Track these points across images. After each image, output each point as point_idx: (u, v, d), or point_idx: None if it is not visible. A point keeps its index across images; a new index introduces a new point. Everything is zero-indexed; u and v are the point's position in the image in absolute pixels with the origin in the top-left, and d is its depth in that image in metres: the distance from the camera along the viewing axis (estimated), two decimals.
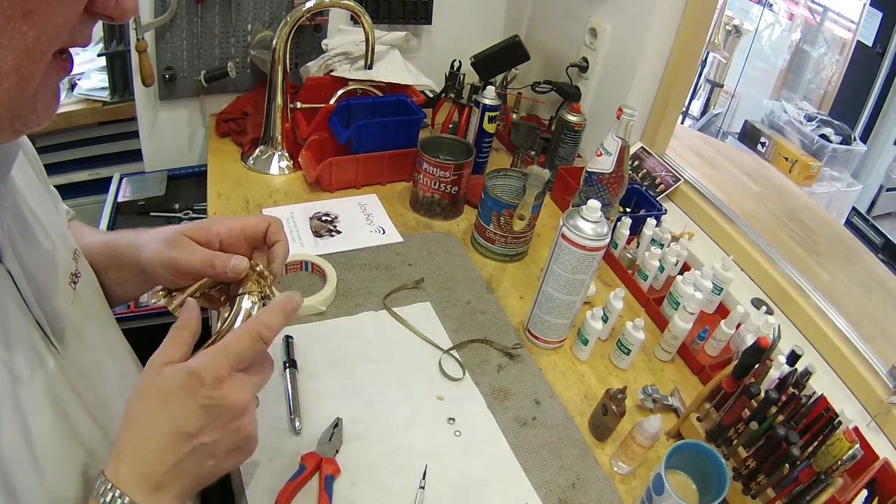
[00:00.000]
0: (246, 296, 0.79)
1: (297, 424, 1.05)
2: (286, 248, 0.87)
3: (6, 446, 0.58)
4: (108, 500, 0.61)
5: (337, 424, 1.05)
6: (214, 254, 0.82)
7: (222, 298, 0.85)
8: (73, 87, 2.52)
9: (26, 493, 0.60)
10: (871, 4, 3.64)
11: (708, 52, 3.62)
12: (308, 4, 1.62)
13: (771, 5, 3.94)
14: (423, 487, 0.99)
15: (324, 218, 1.56)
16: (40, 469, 0.62)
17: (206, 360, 0.67)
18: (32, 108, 0.55)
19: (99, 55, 2.54)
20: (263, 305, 0.79)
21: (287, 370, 1.14)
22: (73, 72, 2.54)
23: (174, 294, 0.82)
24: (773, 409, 0.97)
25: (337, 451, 1.02)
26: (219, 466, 0.70)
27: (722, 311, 1.43)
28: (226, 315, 0.78)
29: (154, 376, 0.67)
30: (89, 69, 2.61)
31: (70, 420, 0.69)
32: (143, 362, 0.96)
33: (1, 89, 0.51)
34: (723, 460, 0.93)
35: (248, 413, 0.70)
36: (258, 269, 0.83)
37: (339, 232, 1.52)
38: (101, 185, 2.36)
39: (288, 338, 1.20)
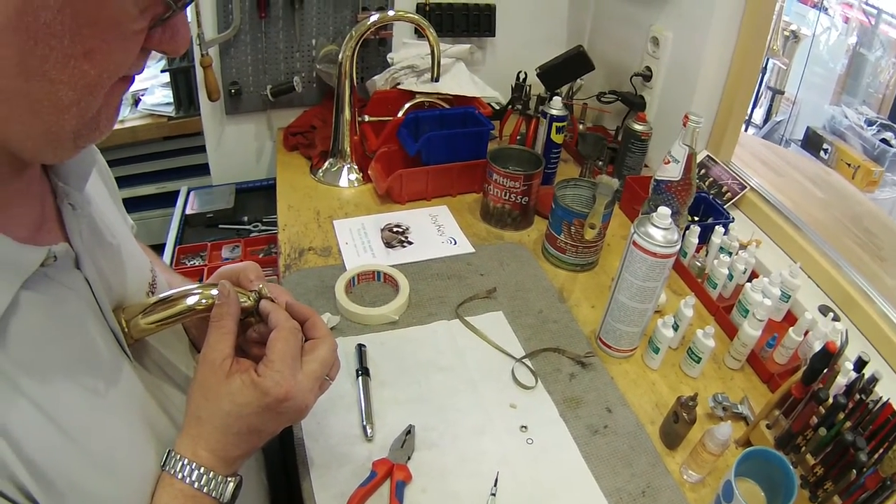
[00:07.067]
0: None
1: (368, 431, 1.06)
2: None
3: (80, 457, 0.61)
4: (193, 478, 0.69)
5: (409, 431, 1.06)
6: None
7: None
8: (137, 102, 2.59)
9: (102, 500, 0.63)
10: None
11: (768, 59, 3.58)
12: (372, 18, 1.64)
13: (826, 9, 3.88)
14: (494, 494, 0.99)
15: (395, 229, 1.58)
16: (115, 475, 0.65)
17: (273, 376, 0.72)
18: (95, 127, 0.59)
19: (162, 71, 2.60)
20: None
21: (359, 378, 1.15)
22: (137, 88, 2.62)
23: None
24: (841, 415, 0.96)
25: (409, 458, 1.03)
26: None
27: (790, 320, 1.41)
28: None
29: (220, 379, 0.72)
30: (153, 85, 2.68)
31: (148, 421, 0.72)
32: None
33: (63, 119, 0.54)
34: (791, 467, 0.92)
35: (314, 402, 0.79)
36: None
37: (410, 243, 1.54)
38: (167, 199, 2.41)
39: (360, 346, 1.22)
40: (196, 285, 0.78)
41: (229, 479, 0.72)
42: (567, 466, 1.06)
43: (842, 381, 1.08)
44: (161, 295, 0.77)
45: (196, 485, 0.69)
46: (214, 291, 0.76)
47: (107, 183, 0.89)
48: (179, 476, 0.69)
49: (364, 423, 1.08)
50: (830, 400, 0.97)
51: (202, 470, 0.70)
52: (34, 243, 0.60)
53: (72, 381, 0.62)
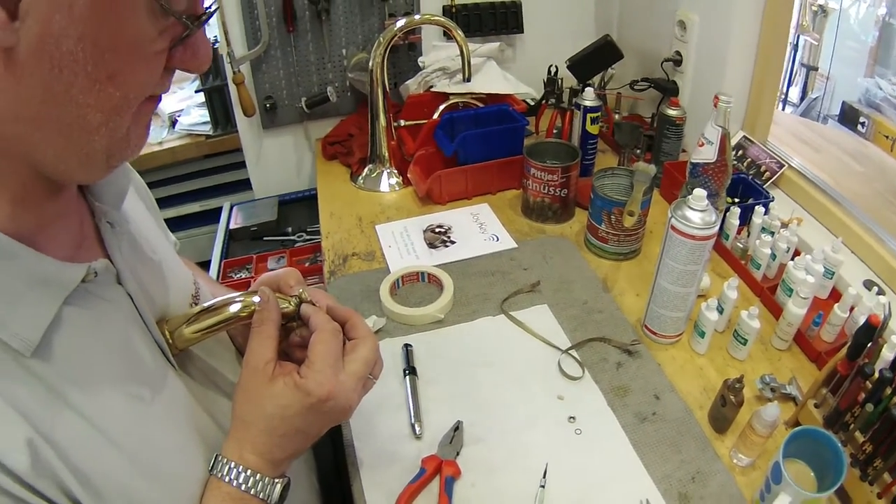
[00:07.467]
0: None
1: (417, 429, 1.07)
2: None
3: (127, 464, 0.63)
4: (240, 480, 0.71)
5: (458, 427, 1.07)
6: None
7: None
8: (174, 124, 2.64)
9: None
10: None
11: (799, 35, 3.54)
12: (399, 23, 1.66)
13: None
14: (543, 486, 0.99)
15: (437, 230, 1.60)
16: (162, 481, 0.67)
17: (315, 377, 0.73)
18: (125, 146, 0.61)
19: (196, 91, 2.65)
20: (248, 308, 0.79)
21: (407, 377, 1.17)
22: (173, 109, 2.67)
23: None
24: (888, 390, 0.95)
25: (458, 454, 1.04)
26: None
27: (835, 296, 1.39)
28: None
29: (263, 382, 0.73)
30: (188, 105, 2.72)
31: (196, 428, 0.74)
32: None
33: (94, 141, 0.57)
34: (840, 446, 0.90)
35: (358, 401, 0.79)
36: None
37: (453, 242, 1.56)
38: (211, 216, 2.45)
39: (407, 346, 1.24)
40: (238, 294, 0.80)
41: (276, 480, 0.73)
42: (616, 455, 1.05)
43: (888, 354, 1.07)
44: (204, 304, 0.79)
45: (243, 487, 0.71)
46: (256, 298, 0.78)
47: (145, 201, 0.92)
48: (226, 479, 0.70)
49: (412, 421, 1.09)
50: (876, 374, 0.96)
51: (249, 472, 0.71)
52: (74, 261, 0.62)
53: (117, 392, 0.65)
